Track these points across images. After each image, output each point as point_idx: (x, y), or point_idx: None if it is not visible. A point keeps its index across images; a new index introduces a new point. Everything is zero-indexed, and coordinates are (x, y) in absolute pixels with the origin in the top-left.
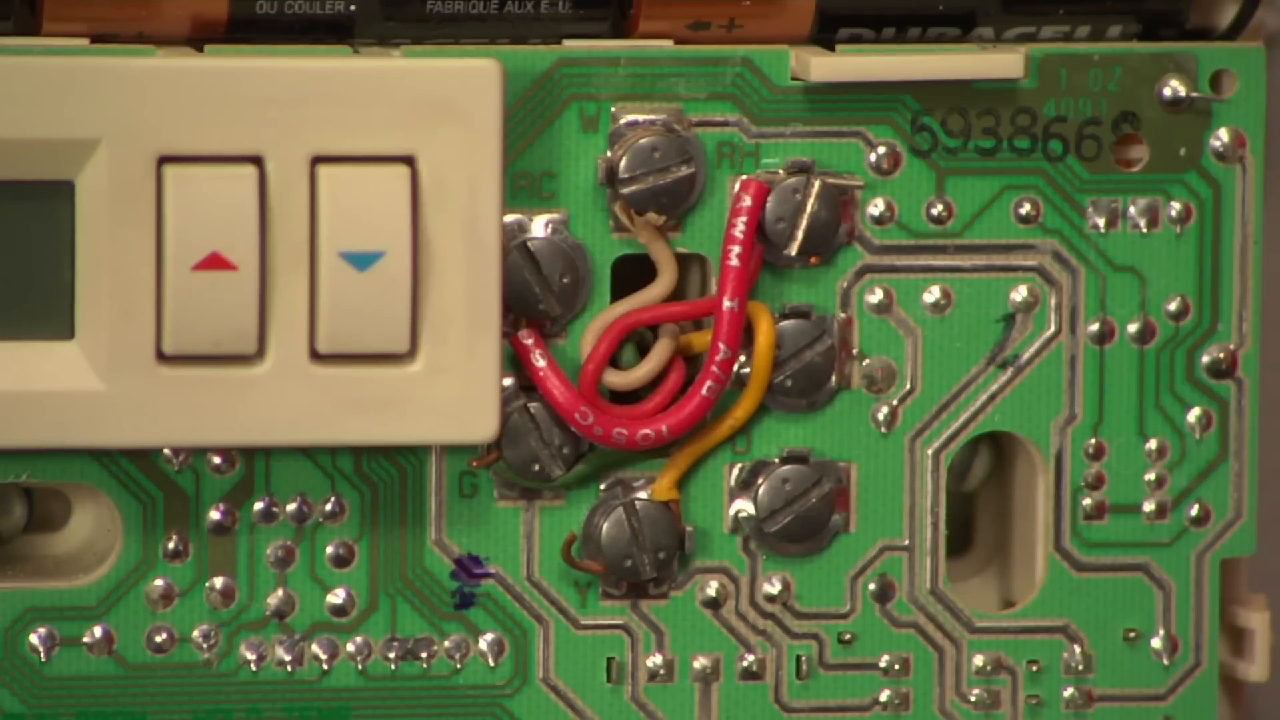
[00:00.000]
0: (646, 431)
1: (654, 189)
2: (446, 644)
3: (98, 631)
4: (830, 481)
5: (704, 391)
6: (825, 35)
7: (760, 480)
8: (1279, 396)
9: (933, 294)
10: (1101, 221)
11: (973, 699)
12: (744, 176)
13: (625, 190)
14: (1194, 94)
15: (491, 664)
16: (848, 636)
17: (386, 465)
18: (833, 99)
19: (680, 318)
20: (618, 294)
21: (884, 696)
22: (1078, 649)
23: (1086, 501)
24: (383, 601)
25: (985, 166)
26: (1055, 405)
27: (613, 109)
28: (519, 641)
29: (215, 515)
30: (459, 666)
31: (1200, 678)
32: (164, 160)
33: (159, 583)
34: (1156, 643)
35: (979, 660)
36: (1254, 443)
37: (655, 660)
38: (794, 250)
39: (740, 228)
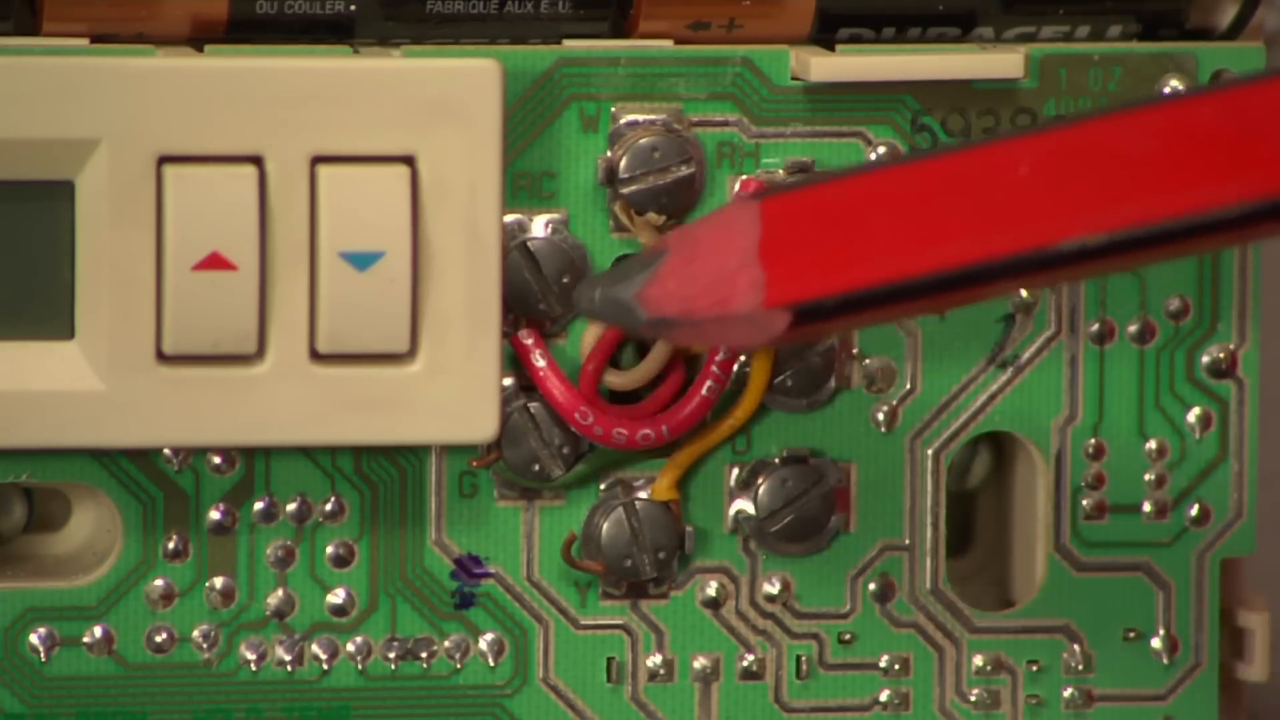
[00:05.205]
0: (646, 431)
1: (654, 189)
2: (446, 644)
3: (98, 631)
4: (830, 481)
5: (704, 391)
6: (825, 35)
7: (760, 480)
8: (1279, 396)
9: None
10: None
11: (973, 699)
12: (744, 176)
13: (625, 190)
14: None
15: (491, 664)
16: (848, 636)
17: (386, 465)
18: (833, 99)
19: None
20: None
21: (884, 696)
22: (1078, 649)
23: (1086, 501)
24: (383, 601)
25: None
26: (1055, 405)
27: (613, 109)
28: (519, 641)
29: (215, 515)
30: (459, 666)
31: (1200, 678)
32: (164, 160)
33: (159, 583)
34: (1156, 643)
35: (979, 660)
36: (1254, 443)
37: (655, 660)
38: None
39: None
